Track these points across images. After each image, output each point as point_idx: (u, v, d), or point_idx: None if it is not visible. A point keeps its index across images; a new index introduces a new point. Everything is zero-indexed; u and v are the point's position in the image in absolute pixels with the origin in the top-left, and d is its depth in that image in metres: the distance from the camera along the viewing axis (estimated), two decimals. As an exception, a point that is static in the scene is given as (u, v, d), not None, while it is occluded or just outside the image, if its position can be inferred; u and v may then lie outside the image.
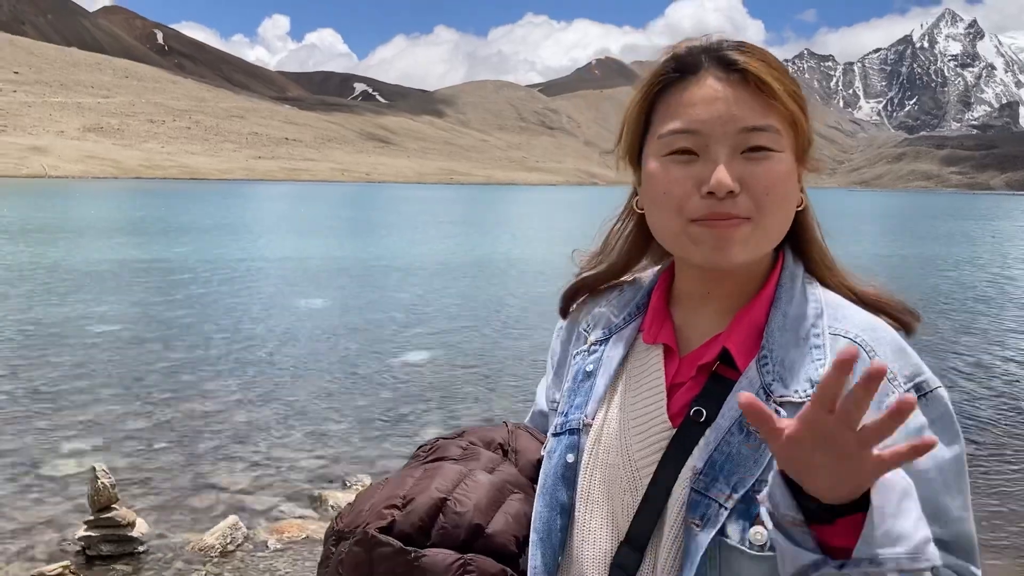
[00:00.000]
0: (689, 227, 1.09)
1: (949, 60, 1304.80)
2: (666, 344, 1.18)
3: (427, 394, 9.71)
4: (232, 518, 5.82)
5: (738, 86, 1.07)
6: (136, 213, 51.06)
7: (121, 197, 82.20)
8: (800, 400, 1.04)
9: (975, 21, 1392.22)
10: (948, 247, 36.61)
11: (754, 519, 1.01)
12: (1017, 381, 10.84)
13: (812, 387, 1.03)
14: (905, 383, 1.03)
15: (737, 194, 1.06)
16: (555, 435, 1.24)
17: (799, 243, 1.18)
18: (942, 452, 1.05)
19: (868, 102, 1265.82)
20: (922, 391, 1.04)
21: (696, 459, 1.07)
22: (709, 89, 1.09)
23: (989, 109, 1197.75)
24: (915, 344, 1.04)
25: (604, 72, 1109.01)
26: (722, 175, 1.05)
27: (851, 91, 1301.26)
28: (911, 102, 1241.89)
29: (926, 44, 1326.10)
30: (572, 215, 64.11)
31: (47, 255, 23.61)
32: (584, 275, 1.32)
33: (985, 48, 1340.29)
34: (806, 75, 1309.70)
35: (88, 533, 5.34)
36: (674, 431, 1.11)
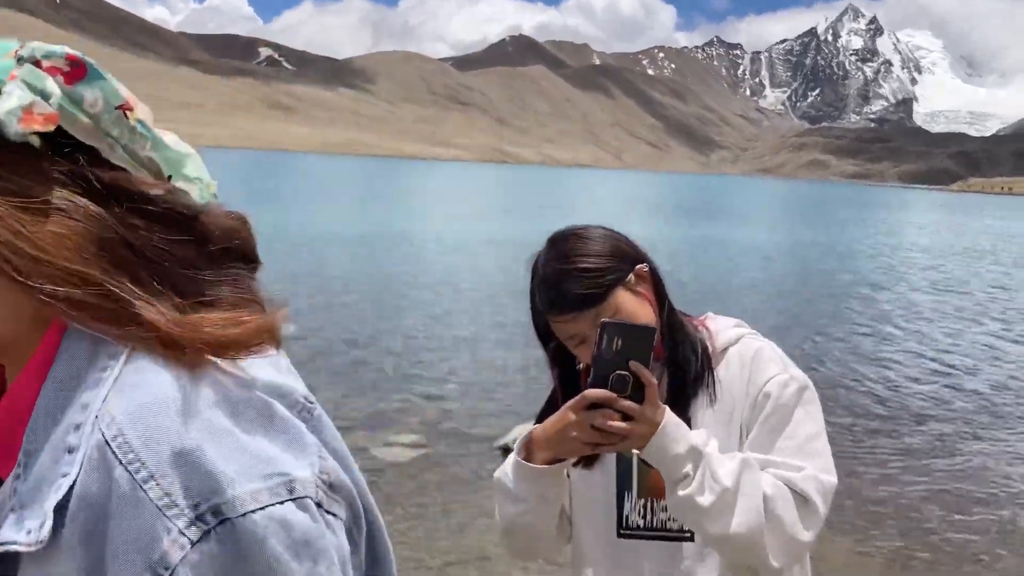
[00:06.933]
0: None
1: (850, 54, 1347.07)
2: None
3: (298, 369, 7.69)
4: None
5: None
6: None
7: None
8: (29, 550, 0.56)
9: (875, 18, 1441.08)
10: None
11: None
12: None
13: (39, 525, 0.56)
14: (190, 508, 0.57)
15: None
16: None
17: None
18: None
19: (773, 91, 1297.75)
20: (216, 520, 0.57)
21: None
22: None
23: (886, 104, 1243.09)
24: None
25: (517, 49, 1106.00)
26: None
27: (757, 80, 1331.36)
28: (814, 93, 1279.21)
29: (830, 38, 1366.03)
30: (477, 193, 62.19)
31: None
32: None
33: (884, 44, 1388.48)
34: (715, 62, 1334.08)
35: None
36: None
